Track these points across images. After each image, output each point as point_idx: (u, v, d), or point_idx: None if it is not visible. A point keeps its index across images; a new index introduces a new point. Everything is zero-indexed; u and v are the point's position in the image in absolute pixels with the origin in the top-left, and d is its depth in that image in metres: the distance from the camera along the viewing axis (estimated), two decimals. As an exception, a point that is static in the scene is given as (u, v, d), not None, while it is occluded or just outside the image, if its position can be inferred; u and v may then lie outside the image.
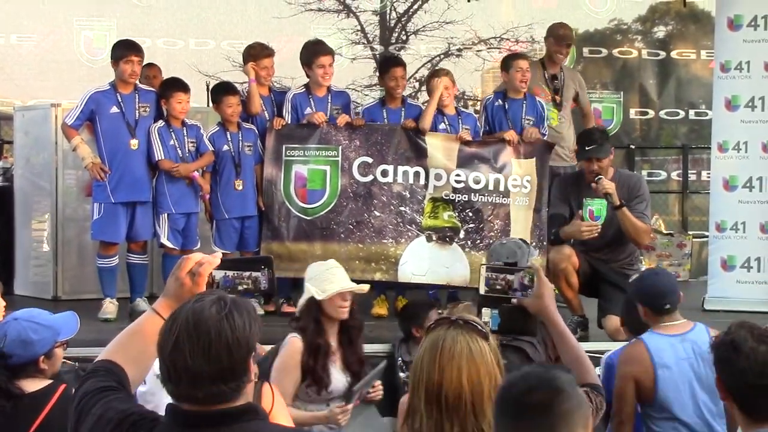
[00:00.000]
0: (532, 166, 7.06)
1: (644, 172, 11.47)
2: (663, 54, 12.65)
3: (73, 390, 2.40)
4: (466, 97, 12.48)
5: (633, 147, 11.46)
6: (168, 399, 2.12)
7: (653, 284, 4.49)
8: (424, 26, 12.71)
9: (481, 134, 7.18)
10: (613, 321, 5.81)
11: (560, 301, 5.51)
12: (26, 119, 8.25)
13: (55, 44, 11.38)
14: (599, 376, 3.70)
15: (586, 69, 11.65)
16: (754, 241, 7.35)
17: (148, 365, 2.35)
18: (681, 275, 9.06)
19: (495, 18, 12.29)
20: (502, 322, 2.72)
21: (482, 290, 2.74)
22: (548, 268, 6.09)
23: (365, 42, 12.74)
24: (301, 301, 4.58)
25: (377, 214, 6.98)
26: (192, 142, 6.83)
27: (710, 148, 7.68)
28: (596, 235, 5.96)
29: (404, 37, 12.93)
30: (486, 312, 2.73)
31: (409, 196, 6.99)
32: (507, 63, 7.21)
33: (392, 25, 12.98)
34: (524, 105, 7.16)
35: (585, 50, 12.24)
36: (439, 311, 5.09)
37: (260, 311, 6.60)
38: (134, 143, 6.69)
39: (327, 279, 4.50)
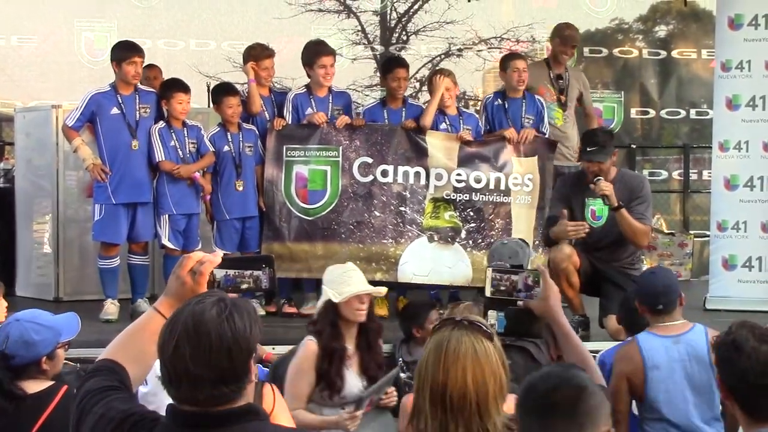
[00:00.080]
0: (533, 165, 7.07)
1: (645, 172, 11.46)
2: (664, 53, 12.64)
3: (75, 390, 2.40)
4: (466, 97, 12.48)
5: (634, 146, 11.46)
6: (169, 400, 2.11)
7: (649, 283, 4.50)
8: (424, 26, 12.71)
9: (482, 134, 7.19)
10: (615, 321, 5.80)
11: (561, 301, 5.50)
12: (27, 120, 8.26)
13: (56, 45, 11.39)
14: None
15: (586, 68, 11.62)
16: (755, 240, 7.35)
17: (150, 364, 2.34)
18: (682, 275, 9.06)
19: (495, 18, 12.29)
20: (509, 325, 2.72)
21: (488, 292, 2.74)
22: (549, 267, 6.08)
23: (366, 42, 12.74)
24: (319, 304, 4.54)
25: (377, 214, 6.98)
26: (193, 143, 6.83)
27: (711, 147, 7.68)
28: (584, 235, 5.96)
29: (405, 38, 12.93)
30: (492, 314, 2.73)
31: (409, 196, 7.00)
32: (504, 63, 7.28)
33: (393, 25, 12.98)
34: (524, 104, 7.17)
35: (585, 50, 12.22)
36: (440, 311, 5.08)
37: (261, 312, 6.60)
38: (135, 144, 6.70)
39: (344, 282, 4.45)
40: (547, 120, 7.30)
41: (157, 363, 2.13)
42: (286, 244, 6.96)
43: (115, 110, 6.70)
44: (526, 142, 7.02)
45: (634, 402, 4.43)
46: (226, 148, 6.90)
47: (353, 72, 11.94)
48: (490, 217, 7.02)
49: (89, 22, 11.33)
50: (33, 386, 3.44)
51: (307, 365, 4.35)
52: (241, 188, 6.91)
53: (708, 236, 8.03)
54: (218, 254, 2.42)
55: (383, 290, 4.70)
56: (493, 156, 7.06)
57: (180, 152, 6.77)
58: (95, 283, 7.08)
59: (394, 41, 12.90)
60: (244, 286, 2.41)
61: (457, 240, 6.99)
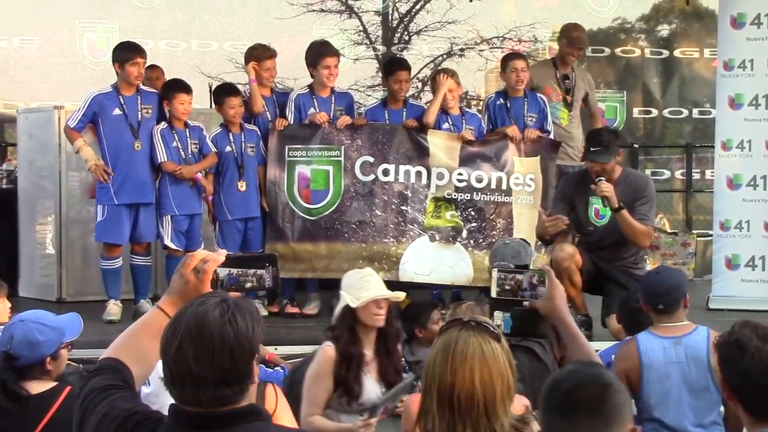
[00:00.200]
0: (535, 165, 7.06)
1: (648, 171, 11.44)
2: (666, 53, 12.62)
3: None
4: (469, 97, 12.47)
5: (637, 146, 11.45)
6: (172, 401, 2.11)
7: (651, 283, 4.51)
8: (426, 26, 12.70)
9: (485, 134, 7.18)
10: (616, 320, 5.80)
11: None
12: (29, 122, 8.26)
13: (58, 46, 11.38)
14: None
15: (589, 68, 11.58)
16: (758, 239, 7.34)
17: (153, 363, 2.34)
18: (685, 274, 9.04)
19: (497, 17, 12.27)
20: (515, 325, 2.71)
21: (494, 292, 2.73)
22: (551, 266, 6.08)
23: (368, 42, 12.73)
24: (337, 309, 4.46)
25: (378, 213, 6.99)
26: (195, 144, 6.84)
27: (714, 146, 7.67)
28: (564, 226, 5.99)
29: (407, 38, 12.92)
30: (498, 315, 2.72)
31: (410, 195, 7.00)
32: (504, 63, 7.31)
33: (395, 25, 12.97)
34: (525, 102, 7.18)
35: (588, 49, 12.20)
36: (442, 311, 5.07)
37: (264, 312, 6.60)
38: (137, 145, 6.70)
39: (362, 286, 4.38)
40: (551, 118, 7.29)
41: (160, 364, 2.13)
42: (289, 244, 6.96)
43: (117, 111, 6.70)
44: (528, 141, 7.01)
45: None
46: (228, 148, 6.90)
47: (355, 72, 11.94)
48: (492, 217, 7.02)
49: (91, 23, 11.33)
50: (37, 387, 3.44)
51: (324, 371, 4.29)
52: (243, 189, 6.91)
53: (711, 236, 8.03)
54: (222, 253, 2.42)
55: (402, 295, 4.60)
56: (495, 156, 7.05)
57: (182, 153, 6.78)
58: (98, 284, 7.09)
59: (396, 41, 12.89)
60: (248, 284, 2.40)
61: (459, 240, 6.99)
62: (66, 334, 3.56)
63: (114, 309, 6.72)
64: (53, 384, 3.47)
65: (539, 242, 6.78)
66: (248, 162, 6.94)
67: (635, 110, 12.33)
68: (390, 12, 12.92)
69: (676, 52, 12.61)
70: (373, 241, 6.96)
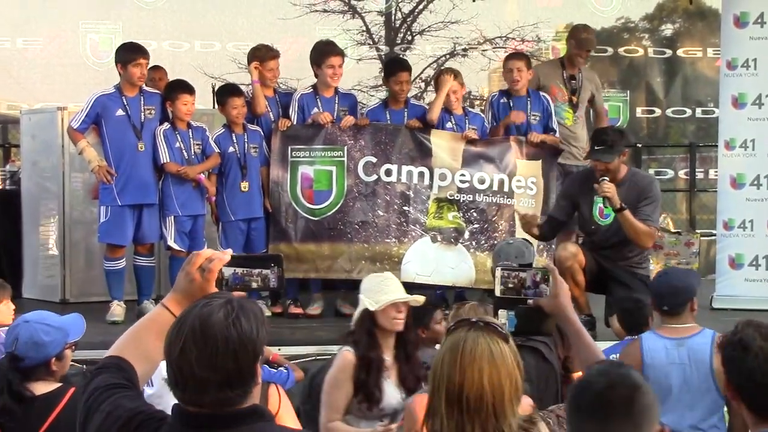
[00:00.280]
0: (537, 168, 7.05)
1: (651, 171, 11.46)
2: (669, 52, 12.62)
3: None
4: (472, 96, 12.48)
5: (640, 145, 11.44)
6: (175, 402, 2.11)
7: (657, 284, 4.52)
8: (429, 26, 12.71)
9: (488, 132, 7.18)
10: (619, 320, 5.81)
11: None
12: (33, 123, 8.27)
13: (61, 47, 11.41)
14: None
15: (592, 67, 11.60)
16: (761, 239, 7.33)
17: (157, 362, 2.33)
18: (698, 277, 9.03)
19: (500, 17, 12.28)
20: (519, 324, 2.71)
21: (498, 291, 2.72)
22: (554, 266, 6.08)
23: (371, 43, 12.74)
24: (356, 313, 4.40)
25: (381, 213, 6.98)
26: (198, 144, 6.84)
27: (717, 146, 7.66)
28: (535, 233, 6.12)
29: (410, 38, 12.93)
30: (502, 314, 2.71)
31: (413, 195, 7.00)
32: (504, 63, 7.33)
33: (397, 25, 12.98)
34: (529, 101, 7.17)
35: (591, 49, 12.21)
36: (445, 312, 5.07)
37: (267, 313, 6.61)
38: (140, 146, 6.71)
39: (381, 290, 4.31)
40: (556, 117, 7.28)
41: (163, 364, 2.13)
42: (292, 244, 6.96)
43: (120, 112, 6.70)
44: (535, 139, 7.00)
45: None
46: (231, 149, 6.90)
47: (358, 72, 11.95)
48: (494, 219, 7.01)
49: (94, 24, 11.35)
50: (41, 388, 3.45)
51: (343, 376, 4.21)
52: (246, 189, 6.91)
53: (714, 235, 8.01)
54: (227, 252, 2.41)
55: (421, 299, 4.49)
56: (498, 157, 7.05)
57: (185, 153, 6.78)
58: (101, 285, 7.09)
59: (399, 41, 12.90)
60: (253, 284, 2.40)
61: (461, 241, 6.98)
62: (70, 334, 3.57)
63: (117, 310, 6.72)
64: (58, 385, 3.48)
65: (541, 246, 6.78)
66: (251, 162, 6.94)
67: (638, 110, 12.33)
68: (393, 12, 12.93)
69: (680, 52, 12.61)
70: (375, 241, 6.96)
